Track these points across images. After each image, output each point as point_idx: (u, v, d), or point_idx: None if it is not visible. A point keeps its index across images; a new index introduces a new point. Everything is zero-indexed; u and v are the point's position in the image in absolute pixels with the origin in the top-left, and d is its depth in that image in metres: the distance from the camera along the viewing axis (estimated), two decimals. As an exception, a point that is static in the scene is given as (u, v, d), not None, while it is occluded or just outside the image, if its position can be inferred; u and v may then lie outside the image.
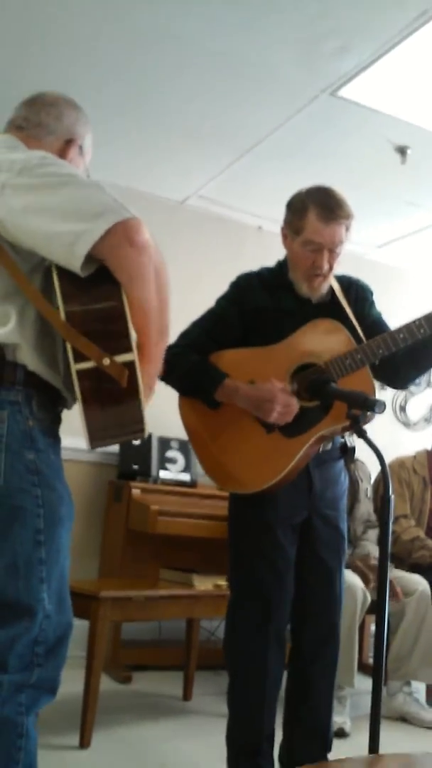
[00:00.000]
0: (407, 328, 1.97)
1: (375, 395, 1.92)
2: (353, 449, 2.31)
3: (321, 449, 2.06)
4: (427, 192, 3.80)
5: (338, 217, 1.99)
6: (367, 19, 2.55)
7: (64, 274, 1.29)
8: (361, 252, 4.58)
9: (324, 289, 2.10)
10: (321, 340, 2.03)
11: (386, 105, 3.05)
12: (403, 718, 3.06)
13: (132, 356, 1.28)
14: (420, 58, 2.73)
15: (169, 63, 2.90)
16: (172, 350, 2.04)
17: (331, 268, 2.05)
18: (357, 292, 2.19)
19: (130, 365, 1.27)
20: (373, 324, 2.14)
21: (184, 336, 2.16)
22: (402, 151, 3.35)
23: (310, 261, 2.03)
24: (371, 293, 2.23)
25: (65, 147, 1.56)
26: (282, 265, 2.17)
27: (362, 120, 3.16)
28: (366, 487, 3.43)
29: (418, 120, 3.13)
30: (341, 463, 2.20)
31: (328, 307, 2.11)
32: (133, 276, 1.28)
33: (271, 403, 1.94)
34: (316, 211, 1.99)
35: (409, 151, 3.34)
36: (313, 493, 2.07)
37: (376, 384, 2.02)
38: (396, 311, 2.26)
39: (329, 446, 2.11)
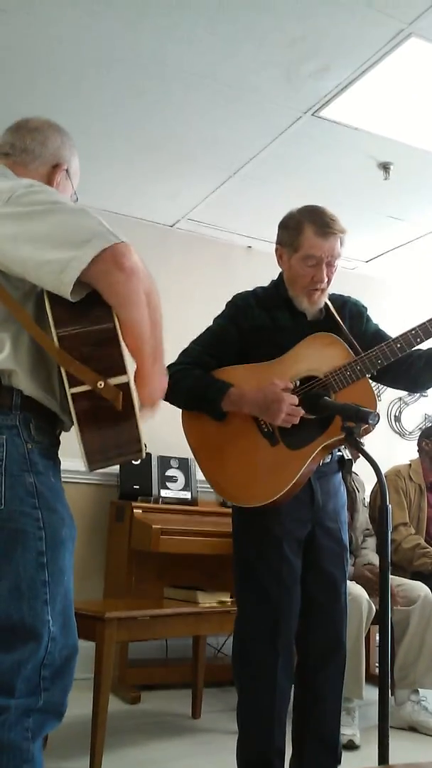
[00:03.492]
0: (404, 337, 2.02)
1: (376, 405, 1.96)
2: (350, 462, 2.34)
3: (321, 462, 2.09)
4: (410, 206, 3.86)
5: (334, 231, 2.05)
6: (345, 40, 2.61)
7: (56, 299, 1.30)
8: (348, 267, 4.64)
9: (322, 302, 2.14)
10: (320, 354, 2.07)
11: (368, 123, 3.11)
12: (413, 728, 3.05)
13: (126, 378, 1.30)
14: (399, 76, 2.79)
15: (153, 88, 2.95)
16: (173, 368, 2.10)
17: (329, 281, 2.10)
18: (351, 309, 2.24)
19: (124, 387, 1.29)
20: (374, 336, 2.18)
21: (185, 354, 2.19)
22: (385, 167, 3.41)
23: (309, 276, 2.08)
24: (365, 309, 2.28)
25: (52, 172, 1.57)
26: (276, 284, 2.21)
27: (345, 138, 3.21)
28: (363, 497, 3.46)
29: (400, 136, 3.19)
30: (339, 475, 2.23)
31: (324, 324, 2.15)
32: (123, 300, 1.30)
33: (279, 404, 1.96)
34: (312, 227, 2.05)
35: (391, 167, 3.40)
36: (315, 505, 2.09)
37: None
38: (385, 323, 2.30)
39: (328, 459, 2.14)
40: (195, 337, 2.23)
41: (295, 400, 1.99)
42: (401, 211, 3.92)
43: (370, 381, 2.08)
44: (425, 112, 3.01)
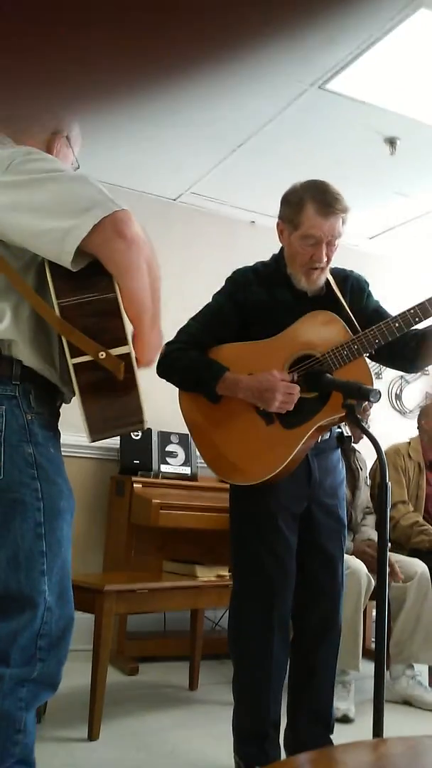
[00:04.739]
0: (402, 317, 1.99)
1: (372, 385, 1.95)
2: (350, 438, 2.34)
3: (320, 439, 2.09)
4: (416, 182, 3.81)
5: (336, 210, 2.00)
6: (353, 10, 2.57)
7: (57, 269, 1.29)
8: (352, 243, 4.60)
9: (321, 281, 2.11)
10: (318, 332, 2.05)
11: (375, 96, 3.06)
12: (407, 702, 3.08)
13: (128, 348, 1.29)
14: (407, 49, 2.74)
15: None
16: (171, 346, 2.08)
17: (329, 260, 2.07)
18: (353, 284, 2.21)
19: (125, 357, 1.29)
20: (374, 313, 2.16)
21: (183, 332, 2.17)
22: (391, 142, 3.36)
23: (308, 255, 2.04)
24: (367, 284, 2.25)
25: (52, 138, 1.55)
26: (277, 259, 2.18)
27: (351, 112, 3.17)
28: (365, 476, 3.47)
29: (407, 110, 3.13)
30: (338, 452, 2.23)
31: (324, 300, 2.12)
32: (124, 269, 1.29)
33: (272, 392, 1.96)
34: (314, 205, 2.00)
35: (398, 142, 3.36)
36: (312, 482, 2.09)
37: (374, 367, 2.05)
38: (388, 300, 2.28)
39: (327, 436, 2.13)
40: (194, 314, 2.21)
41: (294, 387, 1.97)
42: (407, 187, 3.88)
43: (368, 360, 2.06)
44: (433, 86, 2.97)
